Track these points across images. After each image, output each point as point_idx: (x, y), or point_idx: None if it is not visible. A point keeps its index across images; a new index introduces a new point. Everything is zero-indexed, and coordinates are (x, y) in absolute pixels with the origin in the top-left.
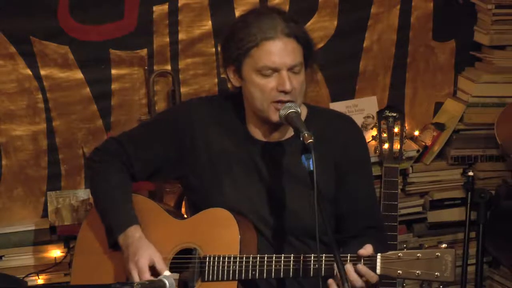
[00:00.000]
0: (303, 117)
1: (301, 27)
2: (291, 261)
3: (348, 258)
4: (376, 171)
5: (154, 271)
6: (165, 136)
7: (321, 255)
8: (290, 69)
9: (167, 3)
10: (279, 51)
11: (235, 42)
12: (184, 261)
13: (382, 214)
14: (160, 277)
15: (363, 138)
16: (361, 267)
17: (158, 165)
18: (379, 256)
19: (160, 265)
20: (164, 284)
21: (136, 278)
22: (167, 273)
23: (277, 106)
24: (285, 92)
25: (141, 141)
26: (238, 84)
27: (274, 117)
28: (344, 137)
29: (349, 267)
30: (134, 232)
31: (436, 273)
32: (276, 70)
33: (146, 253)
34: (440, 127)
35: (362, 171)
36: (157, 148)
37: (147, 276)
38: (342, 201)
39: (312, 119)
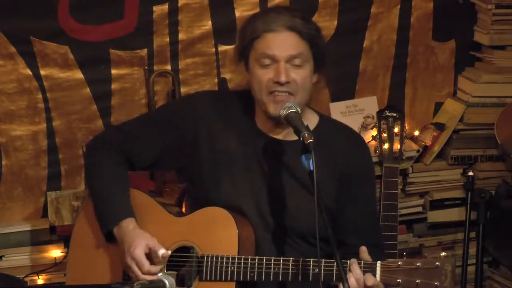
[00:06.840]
0: (313, 124)
1: (309, 24)
2: (290, 265)
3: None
4: (376, 171)
5: (152, 260)
6: (167, 127)
7: (320, 259)
8: (289, 61)
9: (167, 3)
10: (278, 42)
11: (242, 37)
12: (181, 259)
13: (382, 214)
14: (160, 277)
15: (370, 156)
16: (369, 276)
17: (159, 155)
18: (378, 264)
19: (156, 247)
20: (164, 284)
21: (136, 271)
22: (162, 251)
23: (274, 98)
24: (280, 84)
25: (143, 131)
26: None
27: (272, 109)
28: (351, 152)
29: (355, 265)
30: (128, 224)
31: (435, 283)
32: (274, 60)
33: (141, 242)
34: (440, 127)
35: (366, 188)
36: (158, 138)
37: (147, 266)
38: (343, 216)
39: (322, 129)
